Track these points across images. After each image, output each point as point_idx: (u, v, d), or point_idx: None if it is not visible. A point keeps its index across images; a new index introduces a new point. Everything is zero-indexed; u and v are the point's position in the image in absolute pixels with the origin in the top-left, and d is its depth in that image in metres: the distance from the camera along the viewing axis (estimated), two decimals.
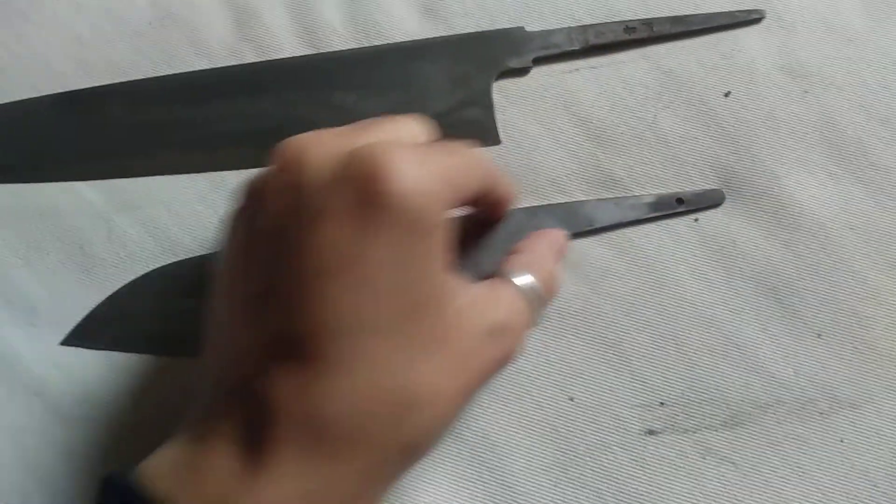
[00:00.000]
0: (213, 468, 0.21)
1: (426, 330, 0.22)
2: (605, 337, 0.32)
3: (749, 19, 0.37)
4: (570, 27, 0.37)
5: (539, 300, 0.27)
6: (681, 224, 0.34)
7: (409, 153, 0.22)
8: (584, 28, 0.37)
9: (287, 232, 0.22)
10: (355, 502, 0.22)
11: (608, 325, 0.32)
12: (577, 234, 0.34)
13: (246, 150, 0.36)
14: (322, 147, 0.23)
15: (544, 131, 0.36)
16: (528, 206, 0.34)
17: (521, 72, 0.37)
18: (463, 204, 0.25)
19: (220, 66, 0.37)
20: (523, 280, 0.27)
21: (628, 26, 0.37)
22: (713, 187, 0.35)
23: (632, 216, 0.34)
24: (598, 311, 0.33)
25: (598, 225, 0.34)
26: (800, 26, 0.37)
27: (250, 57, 0.37)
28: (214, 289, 0.25)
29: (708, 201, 0.35)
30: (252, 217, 0.24)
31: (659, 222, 0.34)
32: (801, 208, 0.34)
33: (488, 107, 0.36)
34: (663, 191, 0.35)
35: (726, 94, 0.36)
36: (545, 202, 0.35)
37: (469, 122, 0.36)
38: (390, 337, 0.22)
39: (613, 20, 0.37)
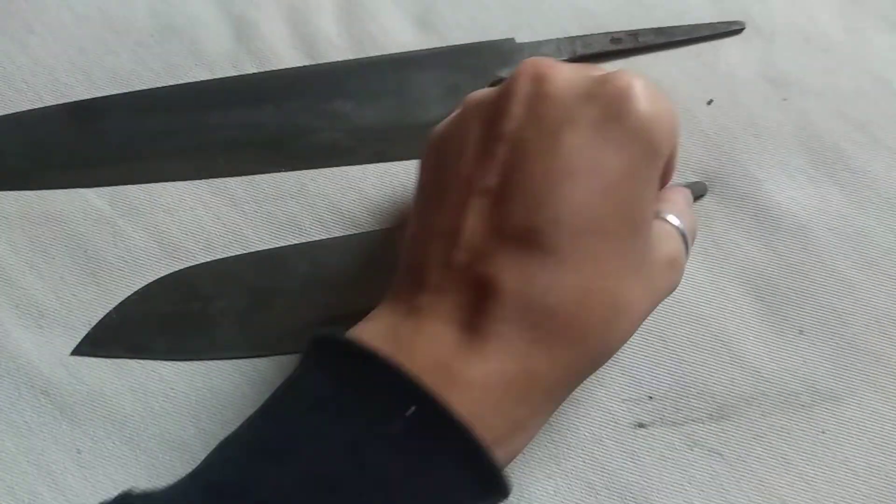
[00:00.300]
0: (432, 336, 0.23)
1: (640, 246, 0.24)
2: None
3: (730, 30, 0.39)
4: (558, 38, 0.38)
5: (689, 239, 0.29)
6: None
7: (651, 87, 0.24)
8: (572, 39, 0.38)
9: (534, 135, 0.24)
10: (562, 387, 0.24)
11: None
12: None
13: (246, 156, 0.37)
14: (567, 68, 0.25)
15: None
16: None
17: None
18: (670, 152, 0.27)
19: (220, 76, 0.38)
20: (678, 222, 0.28)
21: (614, 37, 0.38)
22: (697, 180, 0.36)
23: None
24: None
25: None
26: (778, 37, 0.39)
27: (250, 68, 0.38)
28: (434, 170, 0.27)
29: (693, 194, 0.36)
30: (494, 117, 0.25)
31: None
32: (781, 210, 0.36)
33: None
34: None
35: (709, 102, 0.38)
36: None
37: None
38: (616, 244, 0.23)
39: (600, 31, 0.39)
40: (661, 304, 0.33)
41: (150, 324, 0.34)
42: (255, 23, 0.39)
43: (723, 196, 0.36)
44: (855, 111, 0.37)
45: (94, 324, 0.34)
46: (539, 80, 0.25)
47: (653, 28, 0.38)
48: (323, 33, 0.39)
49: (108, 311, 0.34)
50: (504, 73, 0.38)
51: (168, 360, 0.33)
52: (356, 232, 0.35)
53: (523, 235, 0.23)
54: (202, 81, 0.38)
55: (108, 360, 0.33)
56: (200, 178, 0.36)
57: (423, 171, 0.28)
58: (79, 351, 0.33)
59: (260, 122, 0.37)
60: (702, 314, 0.34)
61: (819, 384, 0.33)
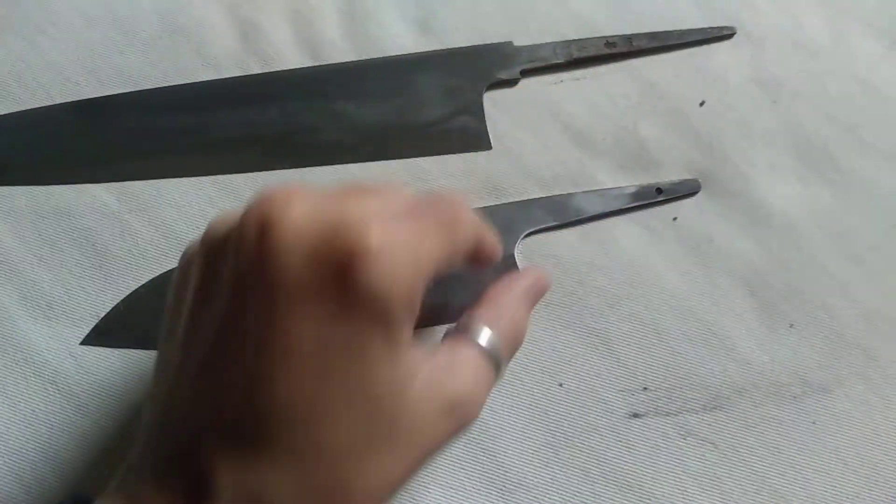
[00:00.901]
0: None
1: (384, 422, 0.21)
2: (592, 327, 0.34)
3: (721, 35, 0.40)
4: (555, 42, 0.39)
5: (503, 355, 0.25)
6: (660, 222, 0.36)
7: (395, 233, 0.21)
8: (568, 43, 0.39)
9: (252, 301, 0.21)
10: None
11: (594, 316, 0.34)
12: (566, 225, 0.36)
13: (251, 154, 0.38)
14: (301, 211, 0.21)
15: (532, 137, 0.38)
16: (519, 200, 0.36)
17: (510, 83, 0.39)
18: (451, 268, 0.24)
19: (226, 76, 0.39)
20: (486, 338, 0.25)
21: (609, 41, 0.39)
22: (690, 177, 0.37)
23: (616, 205, 0.36)
24: (585, 303, 0.35)
25: (585, 215, 0.36)
26: (768, 42, 0.40)
27: (255, 68, 0.39)
28: (166, 324, 0.25)
29: (685, 190, 0.37)
30: (213, 271, 0.22)
31: (640, 220, 0.36)
32: (772, 208, 0.36)
33: (480, 115, 0.38)
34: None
35: (701, 104, 0.39)
36: None
37: (462, 130, 0.38)
38: (344, 430, 0.20)
39: (595, 35, 0.40)
40: (654, 299, 0.34)
41: (156, 315, 0.34)
42: (260, 25, 0.40)
43: (715, 194, 0.37)
44: (842, 114, 0.38)
45: (101, 315, 0.34)
46: (266, 228, 0.21)
47: (646, 33, 0.40)
48: (326, 36, 0.40)
49: (115, 304, 0.35)
50: (503, 74, 0.39)
51: None
52: None
53: (238, 421, 0.20)
54: (209, 81, 0.39)
55: (116, 351, 0.34)
56: (206, 175, 0.37)
57: (164, 321, 0.25)
58: (87, 342, 0.34)
59: (265, 120, 0.38)
60: (696, 308, 0.34)
61: (809, 376, 0.33)
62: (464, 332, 0.25)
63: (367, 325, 0.20)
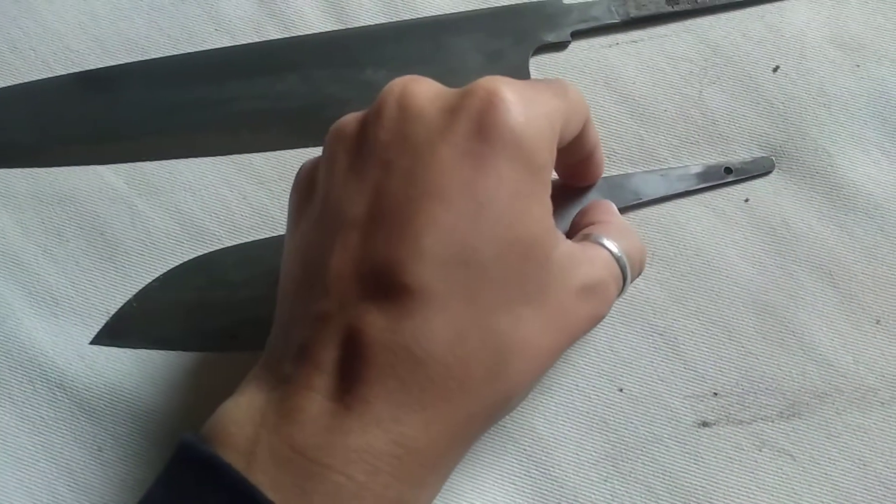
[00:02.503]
0: (299, 415, 0.20)
1: (530, 275, 0.21)
2: (655, 325, 0.30)
3: None
4: None
5: (628, 269, 0.25)
6: (730, 204, 0.32)
7: (521, 90, 0.21)
8: (625, 0, 0.35)
9: (398, 157, 0.21)
10: (446, 451, 0.21)
11: (657, 313, 0.30)
12: (624, 209, 0.32)
13: (271, 131, 0.33)
14: (430, 84, 0.22)
15: None
16: None
17: (559, 46, 0.34)
18: (563, 143, 0.24)
19: (242, 42, 0.35)
20: (615, 246, 0.25)
21: None
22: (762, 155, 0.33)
23: (679, 188, 0.32)
24: (647, 297, 0.31)
25: (645, 198, 0.32)
26: None
27: (274, 33, 0.35)
28: (300, 209, 0.24)
29: (758, 169, 0.32)
30: (358, 146, 0.22)
31: (708, 202, 0.32)
32: (855, 188, 0.32)
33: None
34: None
35: (774, 69, 0.34)
36: None
37: None
38: (493, 275, 0.20)
39: None
40: (723, 293, 0.30)
41: (172, 313, 0.31)
42: None
43: (791, 172, 0.32)
44: None
45: (112, 312, 0.31)
46: (403, 97, 0.22)
47: None
48: None
49: (127, 299, 0.31)
50: (551, 37, 0.34)
51: (192, 351, 0.31)
52: None
53: (385, 272, 0.20)
54: (223, 48, 0.35)
55: (128, 351, 0.31)
56: (223, 154, 0.33)
57: (291, 211, 0.25)
58: (97, 342, 0.31)
59: (286, 92, 0.34)
60: (770, 302, 0.30)
61: None
62: (593, 239, 0.25)
63: (512, 168, 0.20)
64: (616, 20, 0.34)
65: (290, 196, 0.25)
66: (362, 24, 0.35)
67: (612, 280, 0.24)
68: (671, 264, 0.31)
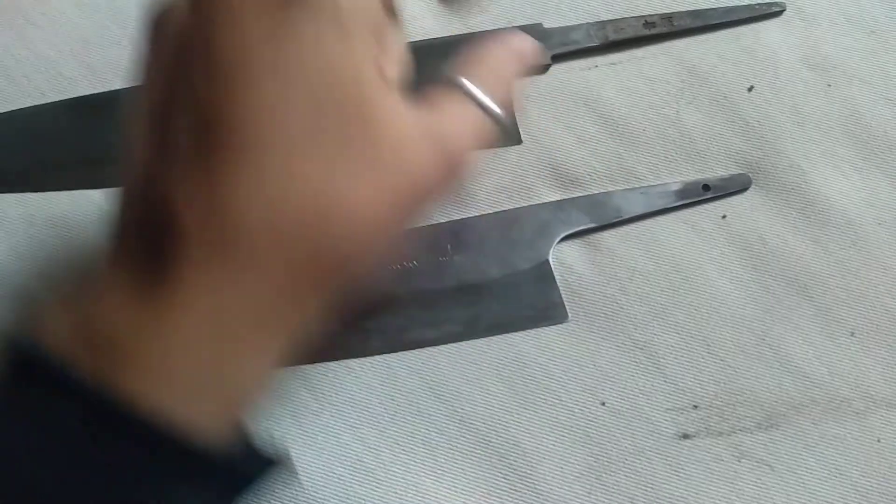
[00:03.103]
0: (109, 304, 0.19)
1: (353, 132, 0.20)
2: (635, 339, 0.31)
3: (769, 12, 0.36)
4: (588, 23, 0.35)
5: (495, 114, 0.23)
6: (708, 221, 0.33)
7: None
8: (603, 24, 0.35)
9: (197, 34, 0.20)
10: (272, 324, 0.20)
11: (637, 327, 0.31)
12: (606, 226, 0.33)
13: None
14: None
15: (565, 129, 0.34)
16: (554, 200, 0.33)
17: (541, 69, 0.35)
18: None
19: None
20: (475, 88, 0.23)
21: (647, 21, 0.35)
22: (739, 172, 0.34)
23: (659, 204, 0.33)
24: (627, 312, 0.31)
25: (626, 215, 0.33)
26: (821, 18, 0.36)
27: None
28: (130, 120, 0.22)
29: (735, 186, 0.33)
30: (160, 31, 0.21)
31: (686, 219, 0.33)
32: (828, 203, 0.33)
33: (508, 105, 0.34)
34: None
35: (749, 89, 0.35)
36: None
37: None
38: (307, 135, 0.19)
39: (632, 15, 0.36)
40: (701, 307, 0.31)
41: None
42: None
43: (767, 189, 0.33)
44: None
45: None
46: None
47: (688, 11, 0.35)
48: None
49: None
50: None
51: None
52: None
53: (196, 145, 0.19)
54: None
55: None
56: None
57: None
58: None
59: None
60: (747, 316, 0.31)
61: (873, 389, 0.30)
62: (450, 82, 0.23)
63: (323, 29, 0.19)
64: (595, 43, 0.35)
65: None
66: None
67: (466, 126, 0.22)
68: (651, 280, 0.32)
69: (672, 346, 0.31)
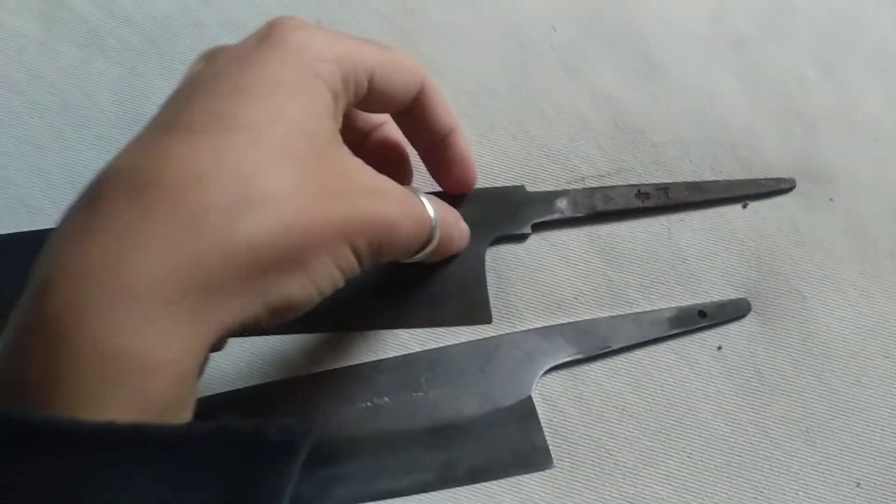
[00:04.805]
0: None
1: (303, 146, 0.21)
2: (624, 491, 0.28)
3: (778, 189, 0.32)
4: (575, 189, 0.32)
5: (434, 225, 0.25)
6: (703, 352, 0.30)
7: (309, 25, 0.23)
8: (591, 191, 0.31)
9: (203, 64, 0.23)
10: (181, 295, 0.18)
11: (626, 477, 0.28)
12: (591, 358, 0.30)
13: None
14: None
15: (550, 247, 0.31)
16: (537, 327, 0.30)
17: (519, 238, 0.31)
18: (391, 98, 0.25)
19: None
20: (425, 199, 0.25)
21: (641, 191, 0.31)
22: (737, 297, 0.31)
23: (651, 334, 0.30)
24: (616, 459, 0.28)
25: (615, 345, 0.30)
26: (821, 122, 0.33)
27: None
28: None
29: (732, 312, 0.30)
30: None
31: (679, 350, 0.30)
32: (831, 334, 0.30)
33: (481, 279, 0.30)
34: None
35: (744, 206, 0.32)
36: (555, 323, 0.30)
37: (459, 294, 0.30)
38: (251, 135, 0.20)
39: (624, 183, 0.32)
40: (696, 454, 0.28)
41: None
42: None
43: (765, 316, 0.30)
44: None
45: None
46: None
47: (686, 182, 0.32)
48: None
49: None
50: (511, 229, 0.31)
51: None
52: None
53: (156, 132, 0.20)
54: None
55: None
56: None
57: None
58: None
59: None
60: (744, 464, 0.28)
61: None
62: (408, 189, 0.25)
63: (283, 61, 0.21)
64: (580, 214, 0.31)
65: None
66: None
67: (409, 208, 0.24)
68: (641, 422, 0.29)
69: (664, 501, 0.28)
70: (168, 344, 0.17)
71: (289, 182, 0.20)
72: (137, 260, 0.17)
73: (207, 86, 0.21)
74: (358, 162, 0.23)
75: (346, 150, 0.22)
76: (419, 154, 0.29)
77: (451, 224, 0.27)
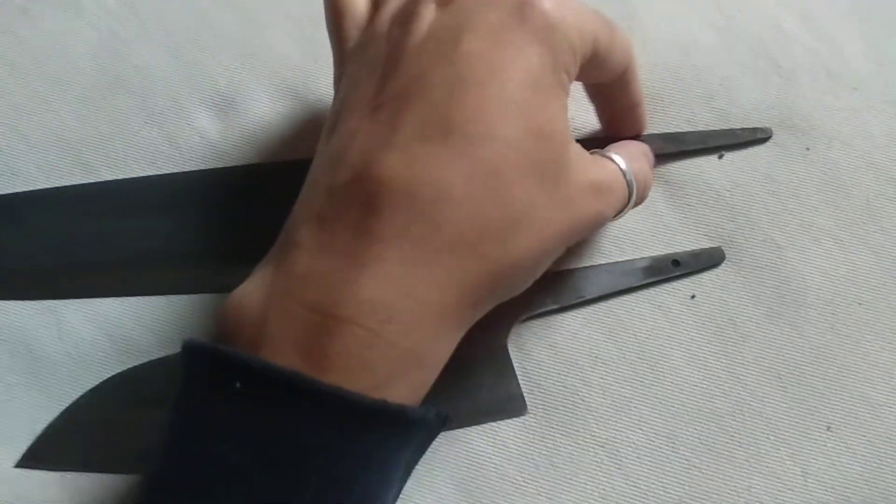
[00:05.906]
0: (311, 274, 0.20)
1: (546, 161, 0.21)
2: (597, 436, 0.28)
3: (754, 139, 0.31)
4: None
5: (633, 189, 0.26)
6: (676, 301, 0.30)
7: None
8: None
9: (434, 46, 0.22)
10: (456, 308, 0.21)
11: (599, 422, 0.28)
12: (566, 308, 0.30)
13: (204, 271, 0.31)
14: None
15: None
16: None
17: None
18: (600, 69, 0.25)
19: (172, 138, 0.32)
20: (622, 161, 0.25)
21: None
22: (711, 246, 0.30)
23: (625, 283, 0.30)
24: (589, 405, 0.28)
25: (588, 295, 0.30)
26: (799, 74, 0.32)
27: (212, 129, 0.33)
28: (341, 102, 0.24)
29: (707, 261, 0.30)
30: (398, 33, 0.23)
31: (653, 299, 0.30)
32: (805, 282, 0.30)
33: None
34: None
35: (720, 156, 0.31)
36: None
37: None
38: (512, 154, 0.21)
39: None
40: (668, 401, 0.28)
41: (100, 432, 0.29)
42: (211, 73, 0.33)
43: (740, 266, 0.30)
44: (887, 161, 0.31)
45: (38, 431, 0.29)
46: None
47: (661, 134, 0.32)
48: None
49: (53, 418, 0.29)
50: None
51: (119, 473, 0.28)
52: None
53: (415, 137, 0.21)
54: (124, 180, 0.32)
55: (55, 474, 0.28)
56: (162, 295, 0.30)
57: (334, 102, 0.25)
58: (22, 464, 0.28)
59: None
60: (716, 410, 0.28)
61: (850, 491, 0.27)
62: (600, 153, 0.26)
63: (538, 57, 0.21)
64: None
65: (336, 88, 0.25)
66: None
67: (619, 188, 0.25)
68: (614, 369, 0.29)
69: (635, 445, 0.28)
70: (443, 349, 0.22)
71: (539, 197, 0.21)
72: (428, 288, 0.20)
73: (462, 87, 0.21)
74: (581, 155, 0.23)
75: (574, 148, 0.23)
76: (597, 111, 0.30)
77: (645, 174, 0.27)
